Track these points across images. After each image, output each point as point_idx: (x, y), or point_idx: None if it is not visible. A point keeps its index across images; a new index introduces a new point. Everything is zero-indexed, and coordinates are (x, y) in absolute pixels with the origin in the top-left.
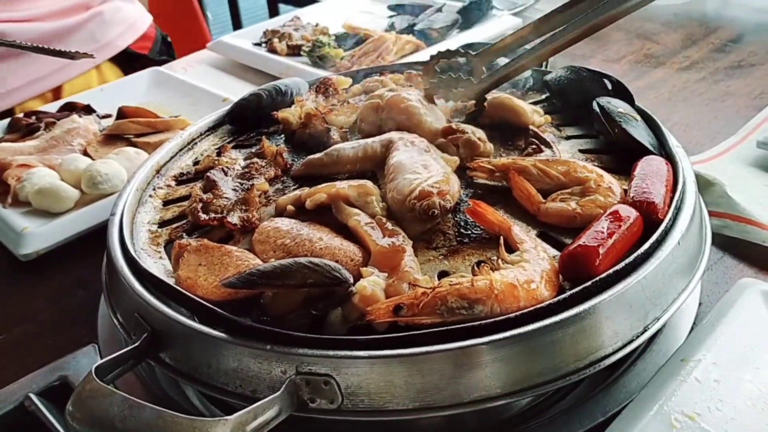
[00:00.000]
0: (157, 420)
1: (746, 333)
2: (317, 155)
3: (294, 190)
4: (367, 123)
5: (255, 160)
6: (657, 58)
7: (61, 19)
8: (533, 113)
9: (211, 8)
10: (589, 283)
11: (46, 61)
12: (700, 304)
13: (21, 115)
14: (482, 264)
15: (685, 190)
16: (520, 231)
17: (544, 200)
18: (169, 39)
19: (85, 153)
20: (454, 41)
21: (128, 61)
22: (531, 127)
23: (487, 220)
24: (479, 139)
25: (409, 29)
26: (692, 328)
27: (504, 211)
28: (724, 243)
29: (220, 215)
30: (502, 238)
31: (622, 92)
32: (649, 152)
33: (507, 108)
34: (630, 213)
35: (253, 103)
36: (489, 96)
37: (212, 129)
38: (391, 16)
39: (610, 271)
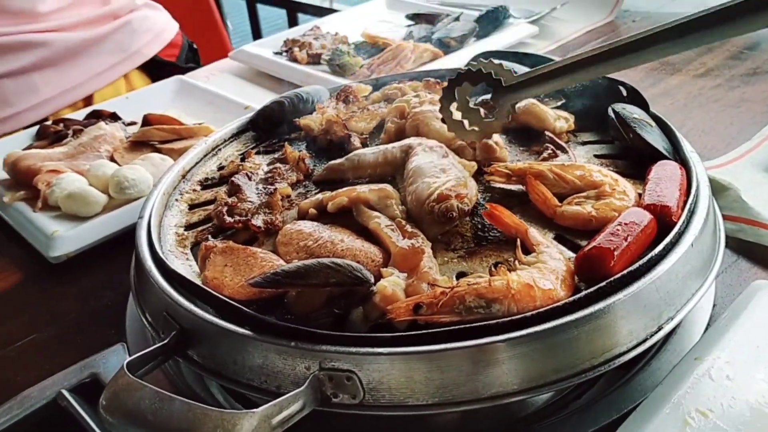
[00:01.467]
0: (187, 413)
1: (759, 333)
2: (338, 160)
3: (316, 194)
4: (393, 123)
5: (278, 165)
6: (673, 65)
7: (90, 29)
8: (557, 119)
9: (231, 17)
10: (604, 283)
11: (78, 70)
12: (714, 305)
13: (50, 122)
14: (499, 265)
15: (699, 194)
16: (536, 233)
17: (560, 204)
18: (195, 46)
19: (112, 159)
20: (472, 49)
21: (156, 69)
22: (547, 132)
23: (504, 222)
24: (495, 143)
25: (427, 38)
26: (706, 329)
27: (521, 214)
28: (739, 246)
29: (244, 218)
30: (519, 240)
31: (636, 99)
32: (664, 157)
33: (530, 113)
34: (644, 216)
35: (275, 110)
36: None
37: (236, 135)
38: (409, 25)
39: (625, 271)
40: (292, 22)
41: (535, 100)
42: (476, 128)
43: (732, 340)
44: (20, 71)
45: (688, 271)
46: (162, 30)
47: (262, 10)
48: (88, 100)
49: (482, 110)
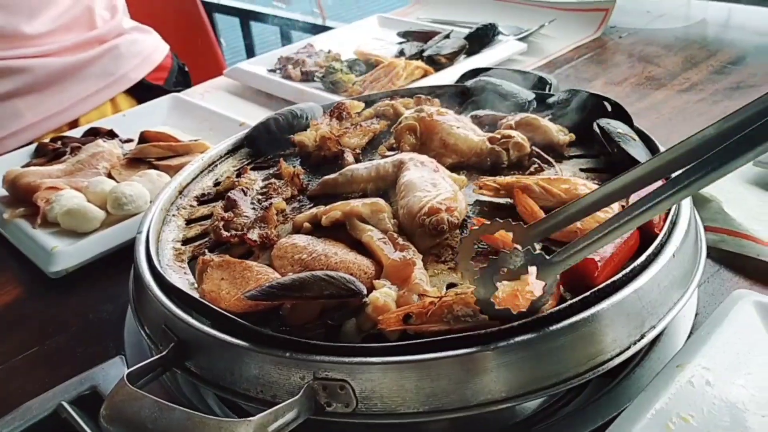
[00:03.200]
0: (186, 421)
1: (739, 341)
2: (332, 176)
3: (310, 208)
4: (408, 144)
5: (273, 180)
6: (658, 80)
7: (76, 54)
8: (558, 131)
9: (224, 35)
10: (589, 293)
11: (62, 95)
12: (696, 313)
13: (47, 140)
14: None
15: (681, 207)
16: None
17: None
18: (186, 68)
19: (110, 176)
20: (462, 66)
21: (143, 92)
22: (533, 147)
23: (497, 240)
24: (522, 139)
25: (419, 55)
26: (689, 337)
27: None
28: (721, 257)
29: (240, 232)
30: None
31: (621, 114)
32: None
33: (534, 127)
34: None
35: (270, 126)
36: (514, 118)
37: (231, 152)
38: (400, 42)
39: (608, 281)
40: (286, 40)
41: (534, 114)
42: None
43: (713, 348)
44: (3, 96)
45: (669, 281)
46: (151, 53)
47: (256, 27)
48: (73, 124)
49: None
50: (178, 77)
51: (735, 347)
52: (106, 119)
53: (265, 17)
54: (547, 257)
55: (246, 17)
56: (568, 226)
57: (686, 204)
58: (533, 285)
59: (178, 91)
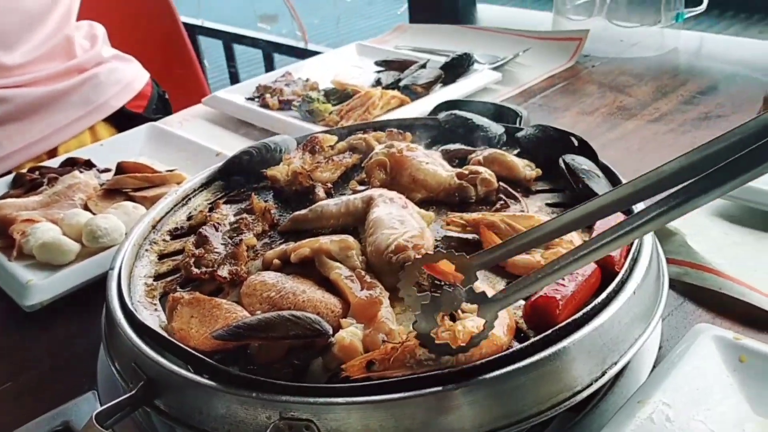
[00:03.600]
0: None
1: (699, 376)
2: (302, 211)
3: (280, 244)
4: (378, 179)
5: (245, 215)
6: (629, 110)
7: (56, 83)
8: (525, 167)
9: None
10: (550, 331)
11: (41, 124)
12: (660, 347)
13: (26, 169)
14: (444, 315)
15: (642, 243)
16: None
17: None
18: (166, 96)
19: (86, 207)
20: (438, 96)
21: (123, 120)
22: (501, 183)
23: (440, 270)
24: (490, 175)
25: (395, 84)
26: (652, 370)
27: None
28: (685, 289)
29: (210, 269)
30: None
31: (586, 149)
32: None
33: (501, 162)
34: (589, 266)
35: (243, 160)
36: (482, 153)
37: (205, 185)
38: (378, 71)
39: (570, 320)
40: (268, 62)
41: (502, 150)
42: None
43: (673, 384)
44: None
45: (630, 317)
46: (131, 81)
47: (239, 49)
48: (52, 153)
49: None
50: (158, 105)
51: (695, 383)
52: (84, 149)
53: (248, 40)
54: (488, 296)
55: (229, 40)
56: (532, 263)
57: (648, 239)
58: (474, 321)
59: (158, 118)
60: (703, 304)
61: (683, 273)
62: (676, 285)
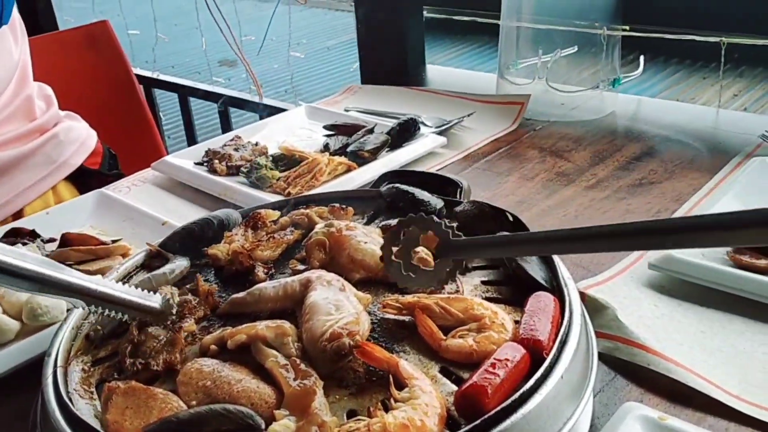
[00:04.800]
0: None
1: None
2: (241, 294)
3: (218, 327)
4: (317, 259)
5: (189, 298)
6: (567, 175)
7: (20, 145)
8: None
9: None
10: (479, 421)
11: (6, 186)
12: (591, 425)
13: None
14: (376, 406)
15: (571, 324)
16: (407, 366)
17: (444, 337)
18: (113, 152)
19: None
20: (384, 162)
21: (81, 178)
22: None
23: (375, 357)
24: (426, 254)
25: (343, 150)
26: None
27: (410, 346)
28: (616, 364)
29: (143, 361)
30: (391, 375)
31: (519, 226)
32: (542, 286)
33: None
34: (518, 351)
35: (184, 237)
36: None
37: (147, 262)
38: (327, 135)
39: (498, 408)
40: (224, 116)
41: None
42: (411, 274)
43: None
44: None
45: (558, 401)
46: (85, 139)
47: (195, 103)
48: (18, 215)
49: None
50: (110, 162)
51: None
52: (30, 218)
53: (203, 93)
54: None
55: (184, 93)
56: (465, 348)
57: (576, 321)
58: (404, 413)
59: (114, 173)
60: (634, 379)
61: (614, 348)
62: (608, 359)
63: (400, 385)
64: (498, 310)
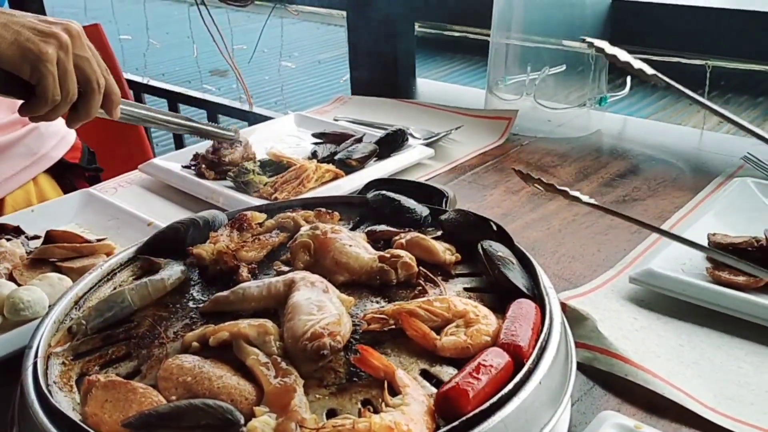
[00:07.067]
0: None
1: None
2: (224, 293)
3: (201, 325)
4: (301, 261)
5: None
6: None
7: (2, 136)
8: (445, 251)
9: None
10: (457, 422)
11: None
12: None
13: None
14: (366, 406)
15: (551, 332)
16: (404, 375)
17: (438, 336)
18: (91, 149)
19: (11, 276)
20: (371, 171)
21: (62, 170)
22: (421, 267)
23: (373, 365)
24: (410, 259)
25: (331, 158)
26: None
27: (390, 348)
28: (594, 374)
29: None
30: (386, 382)
31: (503, 236)
32: (523, 294)
33: (422, 247)
34: (502, 357)
35: (169, 236)
36: (405, 237)
37: (132, 260)
38: (315, 143)
39: (477, 410)
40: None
41: (421, 234)
42: None
43: None
44: None
45: (536, 407)
46: (66, 133)
47: (184, 110)
48: (0, 207)
49: None
50: (89, 158)
51: None
52: (15, 214)
53: (193, 100)
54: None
55: (174, 99)
56: (460, 344)
57: (556, 329)
58: (393, 416)
59: (93, 168)
60: (612, 389)
61: (593, 358)
62: (586, 369)
63: (394, 393)
64: (477, 304)
